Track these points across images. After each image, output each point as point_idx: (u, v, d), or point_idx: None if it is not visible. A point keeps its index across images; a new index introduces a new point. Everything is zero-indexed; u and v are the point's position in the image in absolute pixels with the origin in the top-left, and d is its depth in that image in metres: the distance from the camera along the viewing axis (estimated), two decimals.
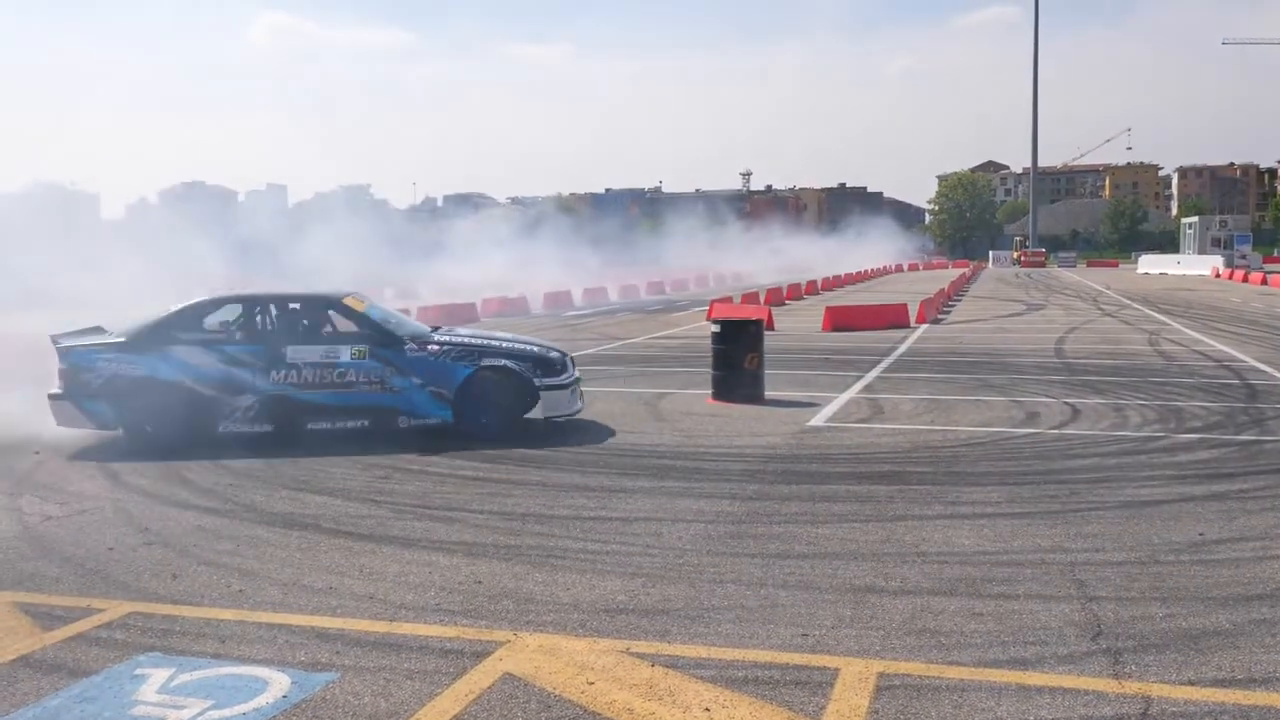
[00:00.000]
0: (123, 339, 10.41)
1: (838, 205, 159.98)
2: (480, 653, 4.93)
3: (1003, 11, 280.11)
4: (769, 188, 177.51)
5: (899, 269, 77.94)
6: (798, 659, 4.83)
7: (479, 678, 4.64)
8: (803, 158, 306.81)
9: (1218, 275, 54.36)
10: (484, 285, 38.96)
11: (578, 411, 11.23)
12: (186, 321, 10.61)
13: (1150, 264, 67.59)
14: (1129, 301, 34.60)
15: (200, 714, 4.30)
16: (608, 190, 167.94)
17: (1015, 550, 6.55)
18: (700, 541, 6.82)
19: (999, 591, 5.77)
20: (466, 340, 11.16)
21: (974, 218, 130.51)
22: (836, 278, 52.39)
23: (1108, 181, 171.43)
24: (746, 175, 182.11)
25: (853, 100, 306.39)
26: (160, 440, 10.08)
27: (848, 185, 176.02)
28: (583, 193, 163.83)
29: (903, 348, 19.84)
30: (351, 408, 10.51)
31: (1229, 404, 12.42)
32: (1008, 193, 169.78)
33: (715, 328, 13.68)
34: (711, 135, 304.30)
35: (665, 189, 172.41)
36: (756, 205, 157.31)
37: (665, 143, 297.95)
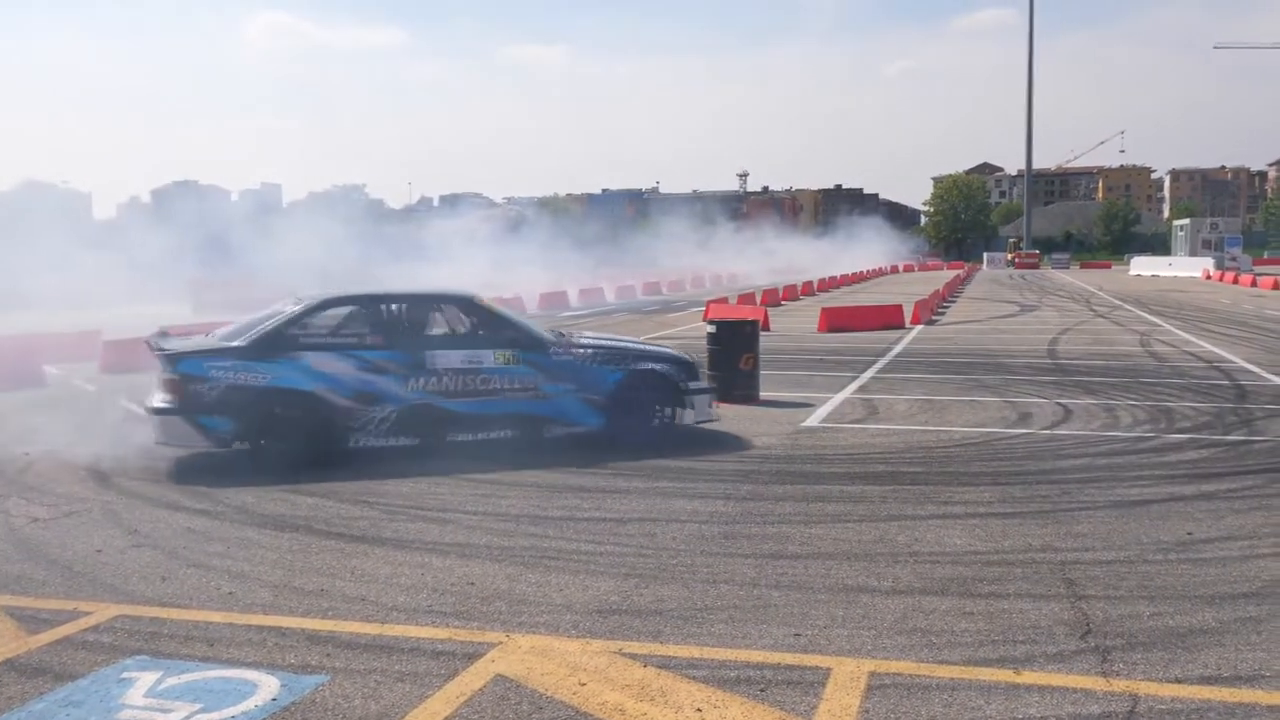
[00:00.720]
0: (241, 344, 9.34)
1: (834, 206, 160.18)
2: (472, 654, 4.92)
3: (999, 14, 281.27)
4: (765, 189, 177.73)
5: (894, 270, 78.05)
6: (790, 659, 4.84)
7: (470, 679, 4.64)
8: (799, 159, 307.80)
9: (1208, 277, 54.49)
10: (471, 286, 38.88)
11: (716, 419, 10.93)
12: (311, 323, 9.70)
13: (1142, 266, 67.75)
14: (1121, 303, 34.67)
15: (188, 717, 4.29)
16: (604, 191, 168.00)
17: (1006, 550, 6.56)
18: (694, 542, 6.82)
19: (990, 591, 5.78)
20: (609, 343, 10.79)
21: (969, 219, 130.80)
22: (832, 279, 52.44)
23: (1101, 184, 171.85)
24: (743, 176, 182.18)
25: (849, 102, 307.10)
26: (284, 458, 9.05)
27: (844, 186, 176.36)
28: (579, 193, 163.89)
29: (897, 348, 19.86)
30: (499, 416, 9.76)
31: (1218, 404, 12.46)
32: (1002, 194, 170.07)
33: (711, 328, 13.70)
34: (708, 136, 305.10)
35: (662, 189, 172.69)
36: (753, 206, 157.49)
37: (662, 144, 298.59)
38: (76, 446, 10.33)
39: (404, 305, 10.13)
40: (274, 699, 4.45)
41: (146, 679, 4.66)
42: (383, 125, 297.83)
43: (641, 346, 11.01)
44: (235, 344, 9.36)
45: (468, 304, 10.37)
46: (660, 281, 50.06)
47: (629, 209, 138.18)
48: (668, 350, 10.96)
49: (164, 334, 9.98)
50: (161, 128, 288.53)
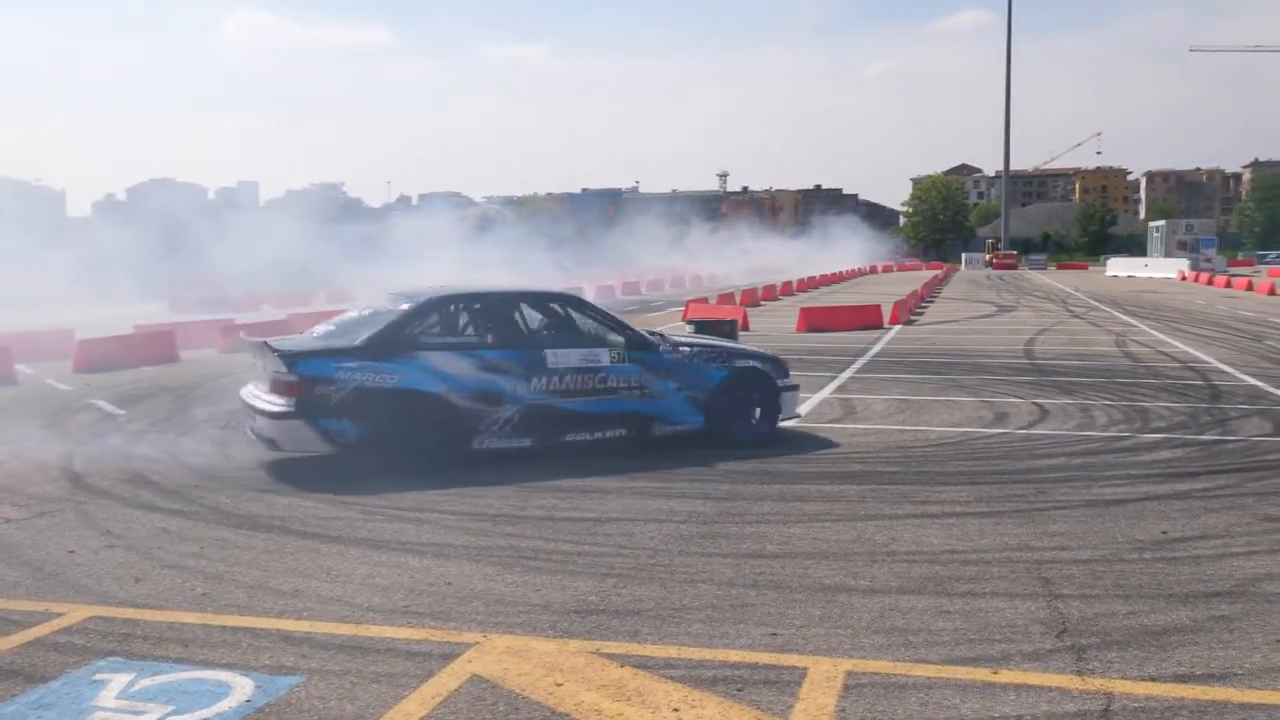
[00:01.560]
0: (360, 344, 8.97)
1: (813, 207, 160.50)
2: (448, 655, 4.90)
3: (978, 16, 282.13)
4: (745, 189, 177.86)
5: (873, 270, 78.33)
6: (767, 658, 4.83)
7: (447, 680, 4.61)
8: (779, 159, 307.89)
9: (1183, 278, 54.94)
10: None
11: (799, 416, 10.94)
12: (427, 323, 9.46)
13: (1118, 266, 68.27)
14: (1097, 303, 34.91)
15: (161, 719, 4.25)
16: (584, 190, 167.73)
17: (983, 549, 6.59)
18: (672, 541, 6.81)
19: (966, 590, 5.80)
20: (707, 341, 10.79)
21: (947, 220, 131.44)
22: (811, 279, 52.58)
23: (1078, 185, 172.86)
24: (723, 176, 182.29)
25: (829, 102, 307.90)
26: (407, 462, 8.71)
27: (823, 187, 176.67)
28: (559, 193, 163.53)
29: (876, 348, 19.93)
30: (612, 416, 9.65)
31: (1193, 404, 12.55)
32: (980, 195, 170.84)
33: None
34: (689, 136, 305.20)
35: (642, 189, 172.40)
36: (732, 206, 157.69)
37: (643, 143, 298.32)
38: (49, 446, 10.26)
39: (514, 304, 10.01)
40: (248, 700, 4.41)
41: (119, 681, 4.61)
42: (363, 123, 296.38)
43: (735, 345, 11.15)
44: (357, 344, 8.97)
45: (577, 302, 10.39)
46: (640, 281, 50.12)
47: (608, 209, 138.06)
48: (758, 349, 11.12)
49: (254, 336, 9.65)
50: (139, 125, 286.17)
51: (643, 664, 4.76)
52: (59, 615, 5.48)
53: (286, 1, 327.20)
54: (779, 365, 10.60)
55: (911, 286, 42.02)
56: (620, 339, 9.89)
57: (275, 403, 8.72)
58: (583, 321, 10.08)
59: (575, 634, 5.16)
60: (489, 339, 9.47)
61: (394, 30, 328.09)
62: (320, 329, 9.68)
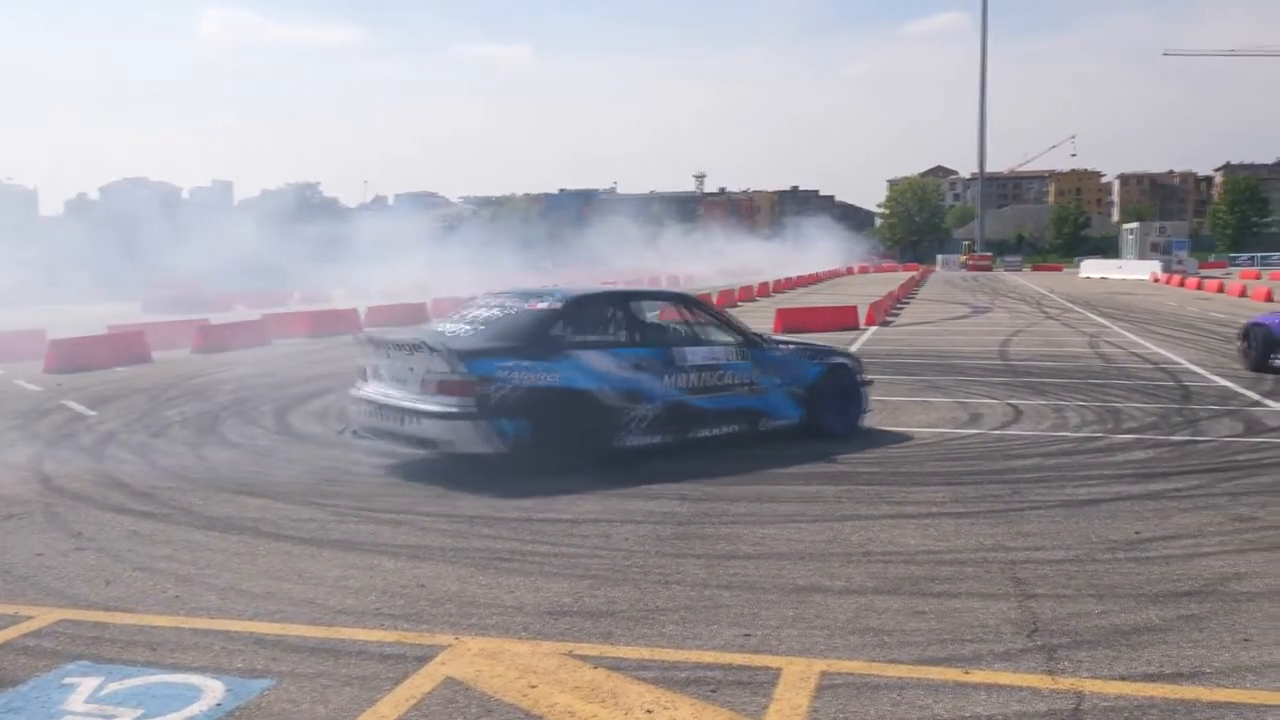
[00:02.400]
0: (522, 343, 8.96)
1: (790, 208, 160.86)
2: (422, 657, 4.88)
3: (953, 19, 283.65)
4: (722, 190, 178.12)
5: (849, 271, 78.61)
6: (741, 659, 4.84)
7: (420, 682, 4.59)
8: (756, 161, 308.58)
9: (1156, 280, 55.40)
10: (409, 287, 38.88)
11: (870, 411, 11.33)
12: (572, 322, 9.43)
13: (1092, 268, 68.77)
14: (1071, 305, 35.16)
15: None
16: (561, 191, 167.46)
17: (957, 549, 6.61)
18: (647, 542, 6.81)
19: (940, 590, 5.82)
20: (800, 339, 11.13)
21: (923, 222, 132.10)
22: (788, 280, 52.71)
23: (1052, 187, 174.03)
24: (700, 177, 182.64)
25: (806, 104, 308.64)
26: (564, 461, 8.71)
27: (800, 188, 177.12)
28: (536, 193, 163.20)
29: (852, 350, 19.97)
30: (729, 412, 9.89)
31: (1164, 405, 12.66)
32: (956, 197, 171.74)
33: None
34: (667, 137, 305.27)
35: (619, 190, 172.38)
36: (709, 207, 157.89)
37: (620, 144, 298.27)
38: (19, 448, 10.16)
39: (643, 303, 10.35)
40: (219, 704, 4.37)
41: (88, 684, 4.56)
42: (340, 123, 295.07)
43: (821, 344, 11.61)
44: (509, 344, 8.93)
45: (695, 302, 10.76)
46: (618, 282, 50.12)
47: (585, 209, 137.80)
48: (839, 347, 11.70)
49: (368, 336, 9.54)
50: (113, 123, 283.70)
51: (616, 665, 4.75)
52: (28, 618, 5.42)
53: (263, 0, 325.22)
54: (859, 362, 11.30)
55: (888, 288, 42.20)
56: (733, 337, 10.22)
57: (442, 403, 8.51)
58: (702, 320, 10.44)
59: (549, 636, 5.14)
60: (628, 338, 9.61)
61: (370, 29, 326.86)
62: (453, 327, 9.49)
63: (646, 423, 9.34)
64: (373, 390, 9.19)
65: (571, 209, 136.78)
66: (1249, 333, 16.64)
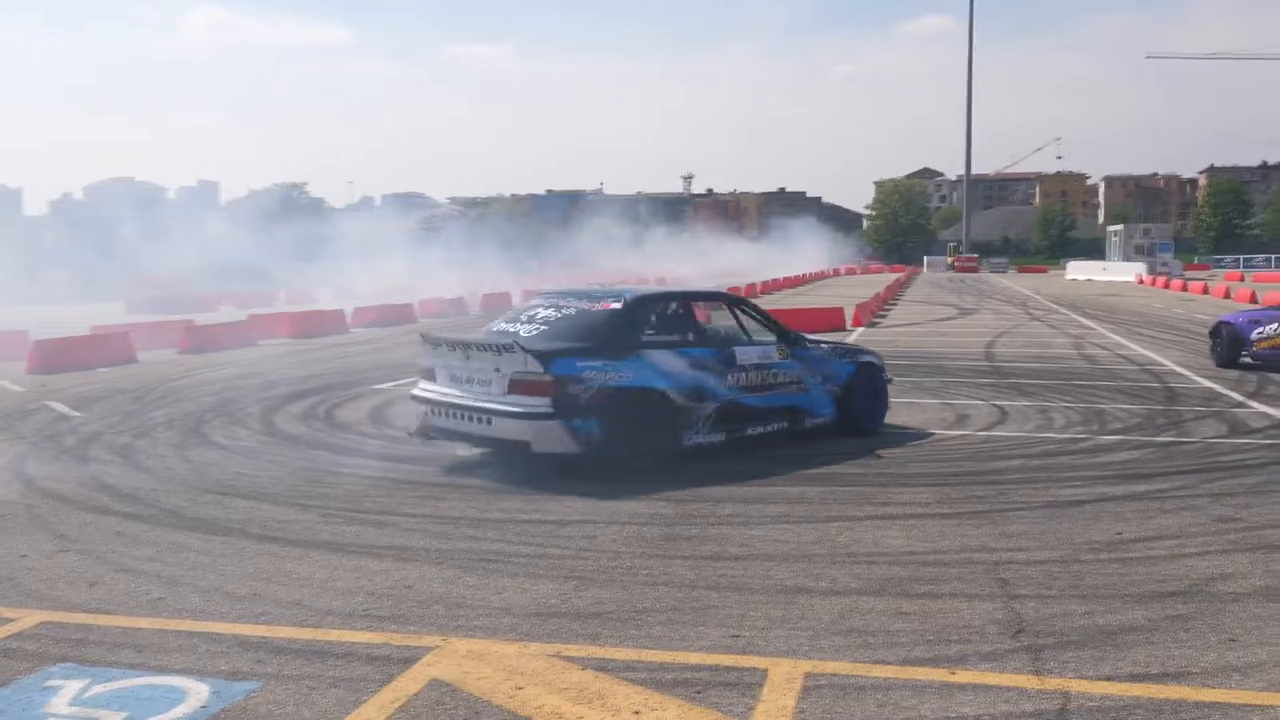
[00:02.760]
0: (591, 344, 8.95)
1: (777, 209, 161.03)
2: (408, 659, 4.86)
3: (941, 22, 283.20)
4: (710, 191, 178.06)
5: (836, 273, 78.72)
6: (727, 660, 4.84)
7: (406, 684, 4.58)
8: (743, 162, 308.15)
9: (1141, 282, 55.67)
10: (391, 288, 38.84)
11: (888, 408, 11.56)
12: (640, 322, 9.51)
13: (1078, 270, 69.06)
14: (1057, 307, 35.30)
15: None
16: (548, 191, 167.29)
17: (942, 550, 6.63)
18: (634, 543, 6.81)
19: (925, 591, 5.83)
20: (833, 340, 11.42)
21: (909, 223, 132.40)
22: (775, 281, 52.75)
23: (1038, 189, 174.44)
24: (688, 179, 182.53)
25: (794, 106, 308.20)
26: (637, 462, 8.74)
27: (787, 189, 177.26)
28: (524, 194, 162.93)
29: None
30: (777, 409, 10.08)
31: (1149, 406, 12.72)
32: (942, 199, 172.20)
33: None
34: (654, 138, 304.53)
35: (607, 191, 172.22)
36: (696, 208, 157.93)
37: (608, 145, 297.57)
38: (2, 449, 10.10)
39: (699, 304, 10.70)
40: (203, 706, 4.36)
41: (72, 687, 4.54)
42: (327, 123, 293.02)
43: (847, 342, 11.86)
44: (581, 344, 8.94)
45: (744, 303, 10.93)
46: (604, 283, 50.12)
47: (571, 210, 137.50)
48: (866, 347, 11.99)
49: (440, 338, 9.40)
50: (99, 123, 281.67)
51: (604, 666, 4.75)
52: (11, 620, 5.39)
53: (249, 0, 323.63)
54: (883, 361, 11.52)
55: (874, 289, 42.29)
56: (777, 336, 10.41)
57: (525, 404, 8.48)
58: (752, 320, 10.59)
59: (536, 637, 5.14)
60: (690, 337, 9.76)
61: (357, 29, 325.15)
62: (517, 328, 9.42)
63: (710, 421, 9.45)
64: (443, 391, 9.11)
65: (558, 210, 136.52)
66: (1219, 330, 17.53)
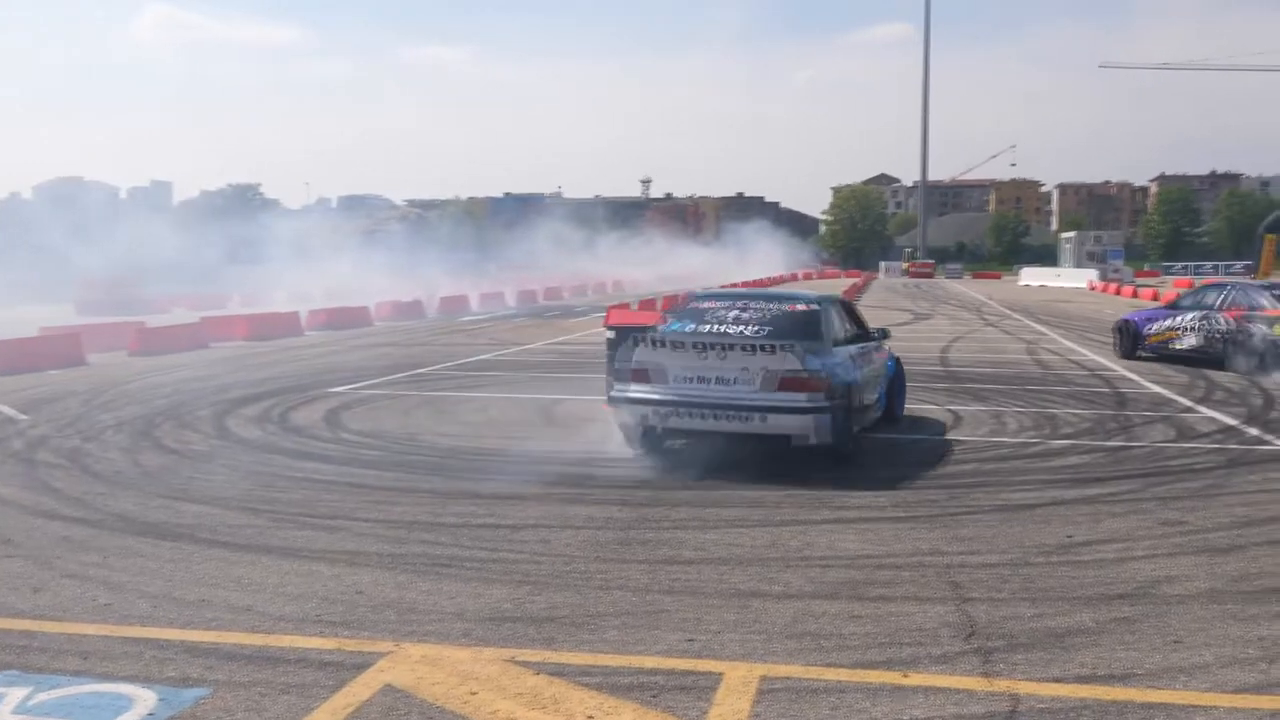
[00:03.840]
0: (815, 342, 9.54)
1: (735, 214, 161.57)
2: (360, 664, 4.83)
3: (899, 29, 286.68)
4: (669, 195, 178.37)
5: (793, 278, 79.07)
6: (682, 664, 4.85)
7: (358, 690, 4.54)
8: (702, 166, 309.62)
9: (1093, 288, 56.43)
10: (339, 290, 38.56)
11: None
12: (831, 321, 10.14)
13: (1031, 276, 69.88)
14: (1010, 312, 35.70)
15: None
16: (506, 194, 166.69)
17: (896, 553, 6.68)
18: (589, 548, 6.80)
19: (879, 594, 5.88)
20: None
21: (866, 229, 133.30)
22: (732, 285, 52.90)
23: (993, 196, 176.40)
24: (646, 182, 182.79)
25: (751, 110, 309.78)
26: (843, 450, 9.39)
27: (745, 194, 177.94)
28: (481, 196, 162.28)
29: None
30: (878, 401, 10.93)
31: (1100, 411, 12.90)
32: (899, 205, 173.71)
33: (610, 333, 13.67)
34: (614, 142, 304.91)
35: (566, 194, 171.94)
36: (655, 212, 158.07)
37: (567, 148, 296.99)
38: None
39: (845, 305, 11.43)
40: (150, 713, 4.29)
41: (15, 695, 4.46)
42: (282, 123, 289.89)
43: None
44: (814, 342, 9.52)
45: (850, 304, 11.81)
46: (563, 288, 50.12)
47: (524, 213, 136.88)
48: None
49: (675, 339, 9.59)
50: (48, 123, 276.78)
51: (558, 671, 4.74)
52: None
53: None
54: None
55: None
56: (876, 334, 11.26)
57: (793, 399, 8.91)
58: (855, 319, 11.33)
59: (490, 642, 5.12)
60: (856, 334, 10.73)
61: (312, 30, 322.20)
62: (723, 328, 9.84)
63: (870, 411, 10.41)
64: (682, 392, 9.18)
65: (516, 213, 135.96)
66: (1121, 328, 20.19)
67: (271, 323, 26.32)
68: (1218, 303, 18.24)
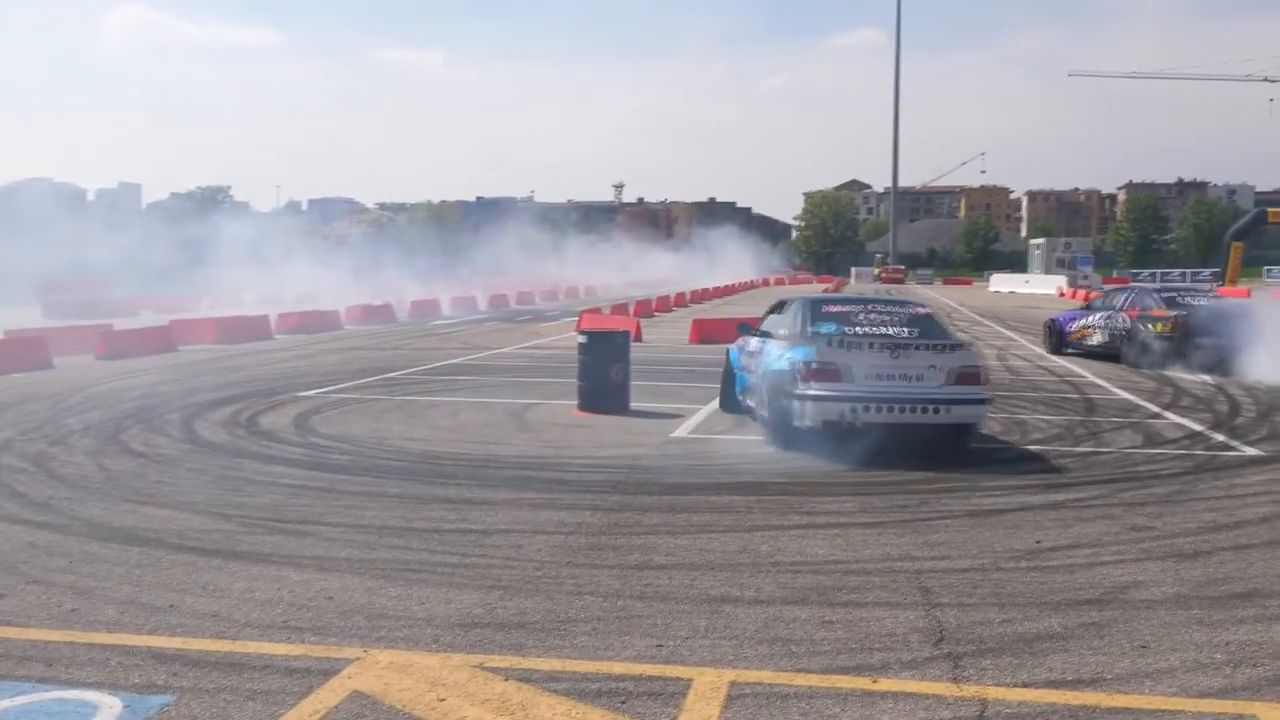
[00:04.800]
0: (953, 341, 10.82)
1: (708, 219, 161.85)
2: (328, 671, 4.79)
3: (871, 35, 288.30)
4: (641, 200, 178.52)
5: (765, 283, 79.35)
6: (652, 670, 4.84)
7: (326, 696, 4.51)
8: (674, 171, 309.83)
9: (1062, 294, 56.96)
10: (304, 295, 38.38)
11: None
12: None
13: (1001, 282, 70.52)
14: (980, 318, 35.96)
15: None
16: (479, 198, 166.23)
17: (865, 559, 6.71)
18: (560, 553, 6.78)
19: (848, 599, 5.89)
20: None
21: (838, 234, 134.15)
22: (705, 290, 53.05)
23: (963, 202, 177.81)
24: (619, 187, 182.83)
25: (723, 115, 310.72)
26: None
27: (717, 199, 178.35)
28: (454, 200, 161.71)
29: None
30: None
31: (1069, 417, 13.00)
32: (870, 211, 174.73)
33: (582, 338, 13.68)
34: (586, 146, 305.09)
35: (539, 198, 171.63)
36: (628, 217, 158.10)
37: (540, 152, 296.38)
38: None
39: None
40: None
41: None
42: (252, 126, 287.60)
43: None
44: (952, 341, 10.73)
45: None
46: (534, 292, 50.06)
47: (492, 216, 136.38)
48: None
49: (853, 340, 10.40)
50: (16, 123, 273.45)
51: (527, 677, 4.72)
52: None
53: (172, 0, 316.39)
54: None
55: None
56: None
57: (972, 392, 10.15)
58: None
59: (459, 648, 5.09)
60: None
61: (284, 32, 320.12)
62: (864, 330, 10.79)
63: None
64: (870, 388, 9.95)
65: (487, 216, 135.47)
66: (1049, 326, 22.62)
67: (241, 326, 26.14)
68: (1120, 304, 20.56)
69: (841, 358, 9.97)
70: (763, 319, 12.53)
